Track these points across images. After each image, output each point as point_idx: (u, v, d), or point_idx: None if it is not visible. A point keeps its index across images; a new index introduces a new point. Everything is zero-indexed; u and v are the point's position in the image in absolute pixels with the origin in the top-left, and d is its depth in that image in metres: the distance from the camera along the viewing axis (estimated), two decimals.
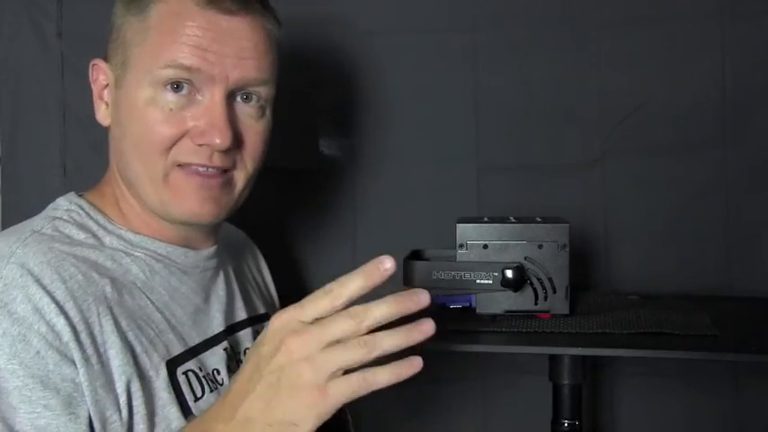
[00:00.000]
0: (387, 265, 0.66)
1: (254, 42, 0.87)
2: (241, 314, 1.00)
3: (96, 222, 0.88)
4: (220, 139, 0.85)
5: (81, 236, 0.86)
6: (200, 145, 0.85)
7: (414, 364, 0.66)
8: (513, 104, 1.30)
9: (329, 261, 1.34)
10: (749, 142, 1.26)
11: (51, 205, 0.90)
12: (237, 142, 0.87)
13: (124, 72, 0.87)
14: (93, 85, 0.92)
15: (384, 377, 0.65)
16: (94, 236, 0.87)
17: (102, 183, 0.94)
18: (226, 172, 0.88)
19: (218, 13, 0.85)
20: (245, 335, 0.99)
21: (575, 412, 1.01)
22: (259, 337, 0.69)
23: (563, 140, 1.29)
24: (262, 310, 1.08)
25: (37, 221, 0.86)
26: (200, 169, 0.86)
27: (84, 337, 0.77)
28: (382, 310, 0.66)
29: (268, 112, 0.91)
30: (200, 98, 0.86)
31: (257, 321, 1.04)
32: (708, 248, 1.27)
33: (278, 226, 1.18)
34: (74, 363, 0.76)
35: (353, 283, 0.67)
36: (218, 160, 0.86)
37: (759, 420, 1.26)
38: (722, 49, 1.26)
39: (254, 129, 0.89)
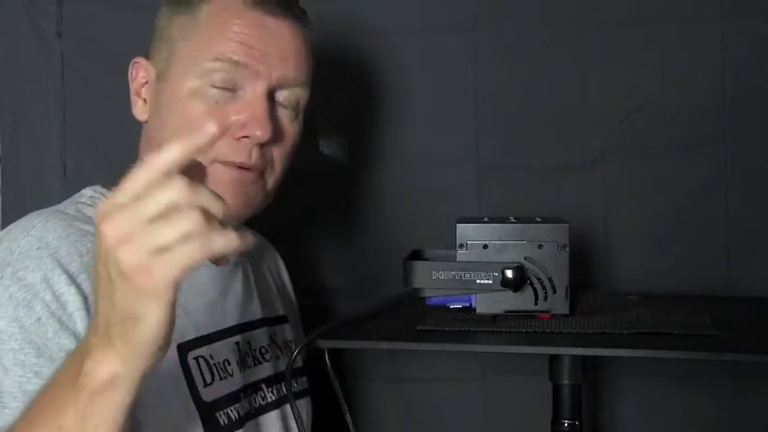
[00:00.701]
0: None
1: (296, 45, 0.92)
2: (257, 313, 1.01)
3: None
4: (261, 131, 0.88)
5: None
6: (240, 139, 0.88)
7: (234, 238, 0.58)
8: (513, 104, 1.30)
9: (329, 261, 1.34)
10: (749, 142, 1.26)
11: (77, 194, 0.94)
12: (275, 138, 0.91)
13: (168, 66, 0.91)
14: (131, 83, 0.95)
15: (221, 241, 0.57)
16: None
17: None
18: (256, 170, 0.91)
19: (264, 15, 0.90)
20: (260, 333, 1.00)
21: (575, 412, 1.01)
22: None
23: (563, 140, 1.29)
24: (281, 312, 1.08)
25: (62, 204, 0.91)
26: (240, 161, 0.89)
27: (94, 308, 0.78)
28: (175, 153, 0.57)
29: (301, 116, 0.96)
30: (241, 94, 0.90)
31: (275, 323, 1.05)
32: (708, 248, 1.27)
33: (278, 226, 1.18)
34: (74, 335, 0.77)
35: (172, 149, 0.58)
36: (255, 158, 0.90)
37: (759, 420, 1.26)
38: (722, 49, 1.25)
39: (289, 131, 0.94)
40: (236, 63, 0.88)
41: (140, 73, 0.95)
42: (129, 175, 0.58)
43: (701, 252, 1.27)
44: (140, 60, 0.95)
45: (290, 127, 0.94)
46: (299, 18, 0.95)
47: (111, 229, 0.57)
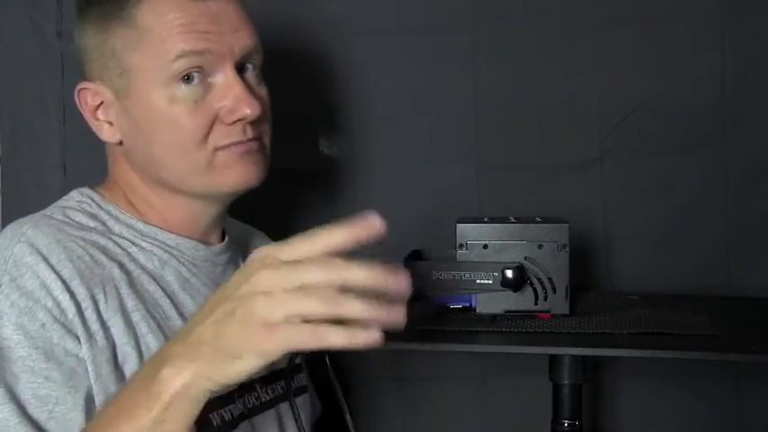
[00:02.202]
0: (375, 222, 0.60)
1: (240, 14, 0.91)
2: None
3: (107, 213, 0.91)
4: (250, 108, 0.88)
5: (90, 223, 0.89)
6: (232, 123, 0.89)
7: (372, 337, 0.59)
8: (513, 104, 1.30)
9: None
10: (749, 142, 1.26)
11: (64, 197, 0.93)
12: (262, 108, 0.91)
13: (126, 81, 0.88)
14: (83, 110, 0.92)
15: (337, 338, 0.59)
16: (104, 224, 0.90)
17: (108, 183, 0.96)
18: (257, 140, 0.92)
19: (204, 0, 0.88)
20: None
21: (575, 412, 1.01)
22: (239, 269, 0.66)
23: (563, 140, 1.29)
24: None
25: (49, 209, 0.90)
26: (237, 140, 0.90)
27: (89, 313, 0.80)
28: (359, 275, 0.60)
29: (261, 76, 0.95)
30: (212, 81, 0.89)
31: None
32: (708, 248, 1.27)
33: (278, 226, 1.17)
34: (77, 338, 0.78)
35: (339, 234, 0.61)
36: (250, 132, 0.90)
37: (759, 421, 1.26)
38: (722, 49, 1.25)
39: (261, 95, 0.93)
40: (200, 53, 0.87)
41: (89, 98, 0.91)
42: (295, 238, 0.62)
43: (701, 252, 1.27)
44: (87, 85, 0.91)
45: (262, 90, 0.94)
46: None
47: (263, 282, 0.60)
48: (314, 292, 0.59)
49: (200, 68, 0.87)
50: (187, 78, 0.87)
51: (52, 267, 0.80)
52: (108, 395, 0.78)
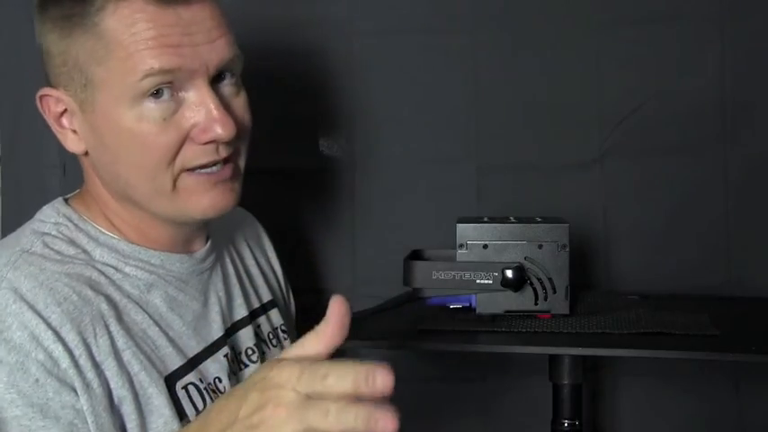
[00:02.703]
0: (380, 382, 0.60)
1: (217, 21, 0.83)
2: (241, 311, 0.98)
3: (86, 234, 0.86)
4: (224, 129, 0.81)
5: (71, 251, 0.84)
6: (205, 144, 0.83)
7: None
8: (513, 105, 1.30)
9: (329, 261, 1.34)
10: (749, 142, 1.26)
11: (38, 216, 0.87)
12: (238, 128, 0.84)
13: (91, 94, 0.82)
14: (47, 118, 0.86)
15: None
16: (84, 250, 0.84)
17: (83, 195, 0.91)
18: (228, 161, 0.85)
19: (175, 7, 0.80)
20: (245, 333, 0.97)
21: (575, 412, 1.01)
22: (254, 377, 0.64)
23: (563, 140, 1.29)
24: (267, 298, 1.05)
25: (25, 239, 0.84)
26: (208, 170, 0.84)
27: (83, 360, 0.76)
28: (349, 418, 0.58)
29: (240, 82, 0.88)
30: (183, 96, 0.82)
31: (261, 313, 1.02)
32: (708, 248, 1.27)
33: (278, 226, 1.18)
34: (74, 389, 0.75)
35: (344, 384, 0.60)
36: (224, 151, 0.84)
37: (759, 421, 1.26)
38: (722, 49, 1.25)
39: (238, 104, 0.86)
40: (169, 71, 0.79)
41: (51, 105, 0.85)
42: (316, 376, 0.60)
43: (701, 252, 1.27)
44: (48, 92, 0.84)
45: (238, 99, 0.86)
46: None
47: (278, 418, 0.59)
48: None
49: (170, 84, 0.80)
50: (156, 93, 0.80)
51: (39, 315, 0.75)
52: None
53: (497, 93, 1.30)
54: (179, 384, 0.84)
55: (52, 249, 0.83)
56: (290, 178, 1.31)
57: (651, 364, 1.25)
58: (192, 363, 0.87)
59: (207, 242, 0.94)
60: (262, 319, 1.02)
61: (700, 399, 1.27)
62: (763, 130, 1.26)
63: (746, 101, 1.25)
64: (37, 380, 0.74)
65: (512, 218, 1.03)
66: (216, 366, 0.89)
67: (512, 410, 1.30)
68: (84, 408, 0.75)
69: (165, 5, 0.79)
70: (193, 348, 0.88)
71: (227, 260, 1.00)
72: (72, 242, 0.85)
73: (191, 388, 0.85)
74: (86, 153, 0.86)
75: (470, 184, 1.30)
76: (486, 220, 1.02)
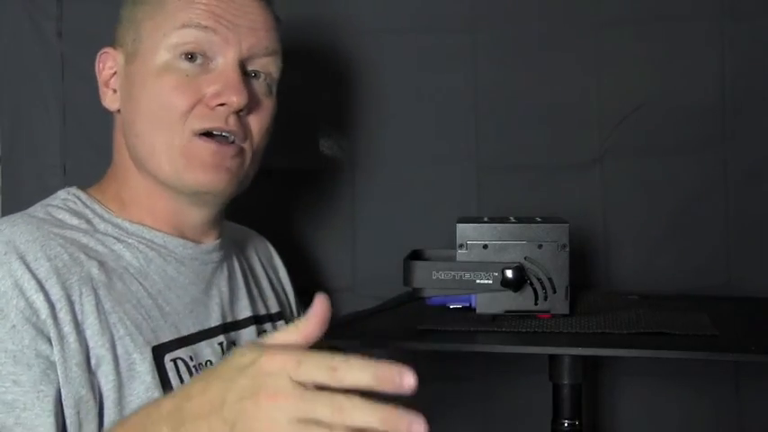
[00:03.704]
0: (407, 380, 0.61)
1: (264, 18, 0.92)
2: (245, 312, 1.00)
3: (93, 211, 0.90)
4: (237, 96, 0.87)
5: (74, 221, 0.87)
6: (214, 108, 0.87)
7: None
8: (513, 104, 1.30)
9: (329, 261, 1.34)
10: (749, 142, 1.26)
11: (51, 196, 0.92)
12: (250, 107, 0.89)
13: (137, 45, 0.89)
14: (99, 75, 0.94)
15: None
16: (88, 222, 0.88)
17: (104, 179, 0.95)
18: (234, 143, 0.90)
19: None
20: (247, 333, 0.98)
21: (575, 412, 1.01)
22: (239, 360, 0.62)
23: (563, 140, 1.29)
24: (275, 309, 1.07)
25: (32, 208, 0.89)
26: (215, 133, 0.88)
27: (63, 314, 0.78)
28: (365, 418, 0.58)
29: (274, 91, 0.94)
30: (212, 66, 0.88)
31: (267, 320, 1.04)
32: (708, 249, 1.27)
33: (278, 226, 1.18)
34: (49, 340, 0.77)
35: (361, 377, 0.59)
36: (233, 123, 0.89)
37: (759, 420, 1.26)
38: (722, 49, 1.26)
39: (264, 104, 0.92)
40: (205, 28, 0.87)
41: (108, 63, 0.93)
42: (314, 364, 0.59)
43: (701, 252, 1.27)
44: (108, 50, 0.93)
45: (265, 101, 0.92)
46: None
47: (272, 408, 0.58)
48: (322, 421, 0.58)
49: (203, 51, 0.88)
50: (190, 57, 0.88)
51: (27, 266, 0.78)
52: (78, 399, 0.77)
53: (497, 93, 1.30)
54: (168, 356, 0.86)
55: (54, 217, 0.87)
56: (290, 178, 1.31)
57: (651, 364, 1.25)
58: (185, 340, 0.89)
59: (217, 240, 0.97)
60: (268, 326, 1.04)
61: (700, 399, 1.27)
62: (763, 130, 1.26)
63: (746, 101, 1.26)
64: (14, 326, 0.76)
65: (512, 218, 1.03)
66: (209, 351, 0.91)
67: (512, 410, 1.30)
68: (57, 359, 0.77)
69: None
70: (188, 328, 0.90)
71: (236, 263, 1.02)
72: (76, 214, 0.89)
73: (179, 362, 0.86)
74: (118, 111, 0.93)
75: (470, 184, 1.30)
76: (486, 220, 1.02)
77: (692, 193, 1.27)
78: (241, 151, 0.91)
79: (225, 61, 0.88)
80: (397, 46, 1.31)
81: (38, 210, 0.88)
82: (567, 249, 0.99)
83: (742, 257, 1.26)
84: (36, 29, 1.32)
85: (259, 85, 0.92)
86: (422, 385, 1.34)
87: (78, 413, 0.78)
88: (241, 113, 0.89)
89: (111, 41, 0.94)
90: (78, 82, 1.31)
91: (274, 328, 1.05)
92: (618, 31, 1.27)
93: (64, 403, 0.77)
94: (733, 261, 1.27)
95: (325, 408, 0.57)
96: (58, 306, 0.78)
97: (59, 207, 0.89)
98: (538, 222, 1.01)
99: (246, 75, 0.90)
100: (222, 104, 0.87)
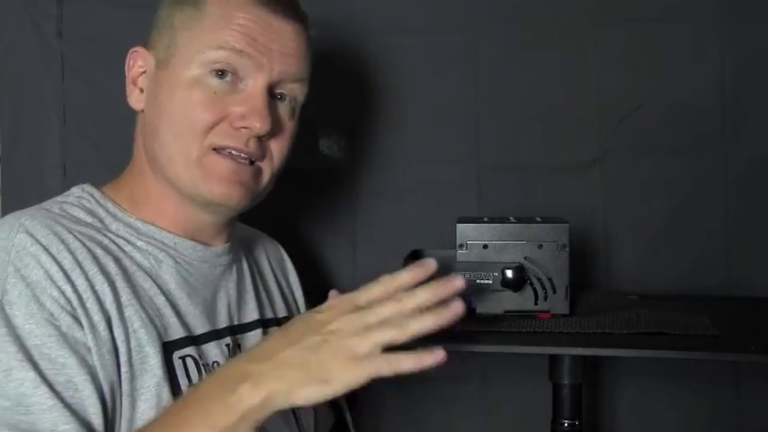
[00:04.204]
0: (431, 266, 0.74)
1: (298, 44, 0.93)
2: (252, 315, 1.00)
3: (105, 210, 0.91)
4: (260, 123, 0.89)
5: (88, 219, 0.89)
6: (238, 129, 0.89)
7: (436, 355, 0.71)
8: (513, 104, 1.30)
9: (329, 261, 1.34)
10: (748, 142, 1.26)
11: (65, 193, 0.93)
12: (273, 131, 0.91)
13: (171, 54, 0.90)
14: (128, 71, 0.94)
15: (407, 363, 0.71)
16: (101, 221, 0.89)
17: (121, 176, 0.96)
18: (254, 163, 0.92)
19: (269, 12, 0.90)
20: (254, 336, 0.98)
21: (575, 412, 1.01)
22: (314, 309, 0.76)
23: (563, 140, 1.29)
24: (282, 314, 1.07)
25: (47, 203, 0.90)
26: (234, 153, 0.89)
27: (90, 303, 0.80)
28: (422, 295, 0.72)
29: (297, 113, 0.96)
30: (242, 87, 0.90)
31: (273, 324, 1.04)
32: (708, 249, 1.27)
33: (278, 226, 1.18)
34: (82, 327, 0.79)
35: (403, 277, 0.74)
36: (252, 147, 0.90)
37: (759, 420, 1.26)
38: (722, 49, 1.26)
39: (286, 126, 0.94)
40: (240, 52, 0.88)
41: (138, 62, 0.94)
42: (367, 287, 0.75)
43: (700, 252, 1.27)
44: (139, 49, 0.94)
45: (288, 123, 0.94)
46: (303, 21, 0.95)
47: (351, 323, 0.72)
48: (386, 324, 0.71)
49: (234, 70, 0.89)
50: (221, 74, 0.89)
51: (53, 257, 0.80)
52: (111, 385, 0.79)
53: (497, 93, 1.30)
54: (177, 354, 0.87)
55: (68, 213, 0.88)
56: (290, 178, 1.31)
57: (651, 364, 1.25)
58: (195, 340, 0.90)
59: (226, 243, 0.97)
60: (274, 329, 1.03)
61: (700, 399, 1.27)
62: (763, 130, 1.26)
63: (746, 101, 1.26)
64: (51, 313, 0.78)
65: (512, 218, 1.03)
66: (217, 351, 0.92)
67: (512, 410, 1.30)
68: (91, 346, 0.79)
69: (261, 6, 0.90)
70: (198, 328, 0.91)
71: (245, 266, 1.02)
72: (90, 212, 0.90)
73: (188, 360, 0.87)
74: (142, 111, 0.94)
75: (470, 184, 1.30)
76: (486, 220, 1.02)
77: (691, 193, 1.27)
78: (259, 171, 0.93)
79: (254, 84, 0.89)
80: (397, 46, 1.31)
81: (53, 206, 0.89)
82: (567, 249, 0.99)
83: (742, 257, 1.26)
84: (36, 29, 1.32)
85: (283, 108, 0.93)
86: (422, 385, 1.35)
87: (113, 399, 0.80)
88: (263, 138, 0.91)
89: (144, 41, 0.94)
90: (78, 82, 1.31)
91: None
92: (618, 31, 1.27)
93: (103, 389, 0.79)
94: (733, 261, 1.27)
95: (389, 306, 0.72)
96: (84, 296, 0.80)
97: (74, 204, 0.90)
98: (538, 222, 1.01)
99: (273, 96, 0.92)
100: (245, 127, 0.89)
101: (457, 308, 0.72)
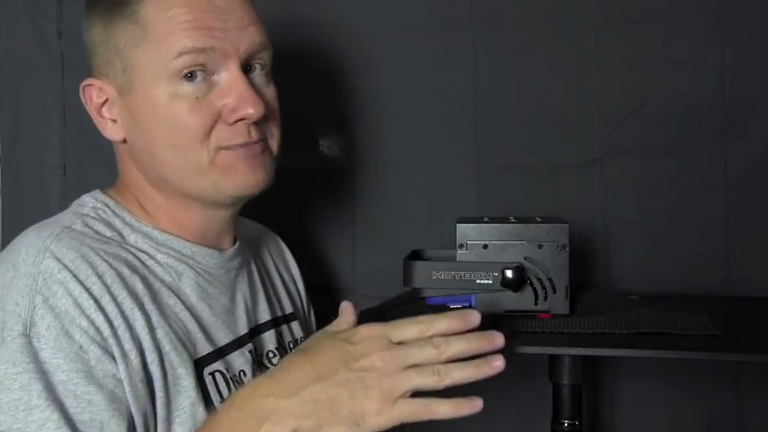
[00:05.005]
0: (475, 321, 0.74)
1: (248, 11, 0.89)
2: (264, 315, 1.00)
3: (122, 220, 0.89)
4: (253, 108, 0.86)
5: (108, 233, 0.86)
6: (235, 123, 0.86)
7: (474, 404, 0.72)
8: (513, 104, 1.30)
9: (329, 261, 1.34)
10: (749, 142, 1.26)
11: (77, 202, 0.91)
12: (266, 110, 0.89)
13: (129, 78, 0.86)
14: (88, 108, 0.90)
15: (444, 409, 0.71)
16: (120, 234, 0.87)
17: (118, 186, 0.94)
18: (259, 142, 0.89)
19: None
20: (268, 336, 0.98)
21: (575, 412, 1.01)
22: (340, 334, 0.75)
23: (563, 140, 1.29)
24: (288, 310, 1.07)
25: (66, 217, 0.87)
26: (242, 142, 0.87)
27: (122, 331, 0.78)
28: (461, 346, 0.72)
29: (271, 77, 0.93)
30: (216, 79, 0.86)
31: (283, 322, 1.04)
32: (708, 249, 1.27)
33: (278, 226, 1.18)
34: (114, 359, 0.77)
35: (443, 323, 0.74)
36: (255, 134, 0.88)
37: (759, 420, 1.26)
38: (722, 49, 1.25)
39: (269, 95, 0.91)
40: (202, 50, 0.84)
41: (94, 94, 0.89)
42: (404, 323, 0.74)
43: (701, 252, 1.27)
44: (91, 81, 0.89)
45: (269, 91, 0.91)
46: None
47: (387, 361, 0.71)
48: (425, 370, 0.71)
49: (203, 66, 0.85)
50: (190, 76, 0.85)
51: (82, 284, 0.77)
52: (145, 415, 0.77)
53: (497, 93, 1.30)
54: (206, 370, 0.86)
55: (91, 229, 0.85)
56: (291, 178, 1.31)
57: (651, 364, 1.25)
58: (221, 352, 0.88)
59: (235, 243, 0.96)
60: (284, 328, 1.04)
61: (700, 399, 1.27)
62: (763, 130, 1.26)
63: (746, 101, 1.25)
64: (81, 346, 0.76)
65: (512, 218, 1.03)
66: (241, 360, 0.91)
67: (512, 410, 1.30)
68: (123, 377, 0.77)
69: None
70: (222, 339, 0.90)
71: (253, 266, 1.02)
72: (109, 225, 0.87)
73: (217, 375, 0.86)
74: (124, 141, 0.90)
75: (470, 184, 1.30)
76: (486, 220, 1.02)
77: (691, 192, 1.27)
78: (267, 146, 0.91)
79: (229, 73, 0.86)
80: (397, 46, 1.31)
81: (75, 221, 0.85)
82: (567, 249, 0.99)
83: (742, 257, 1.26)
84: (36, 29, 1.32)
85: (260, 78, 0.90)
86: None
87: (146, 428, 0.78)
88: (259, 120, 0.88)
89: (90, 70, 0.90)
90: (78, 82, 1.31)
91: (290, 329, 1.05)
92: (618, 31, 1.27)
93: (135, 421, 0.77)
94: (733, 261, 1.26)
95: (426, 351, 0.71)
96: (116, 323, 0.78)
97: (93, 217, 0.87)
98: (538, 222, 1.01)
99: (247, 73, 0.89)
100: (242, 119, 0.86)
101: (497, 364, 0.73)
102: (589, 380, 1.27)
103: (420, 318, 0.73)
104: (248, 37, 0.87)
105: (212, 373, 0.86)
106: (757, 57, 1.25)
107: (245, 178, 0.88)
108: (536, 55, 1.29)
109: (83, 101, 0.90)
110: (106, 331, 0.77)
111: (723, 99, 1.26)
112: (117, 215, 0.89)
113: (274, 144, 0.92)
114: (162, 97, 0.85)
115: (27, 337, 0.75)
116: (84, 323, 0.76)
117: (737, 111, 1.26)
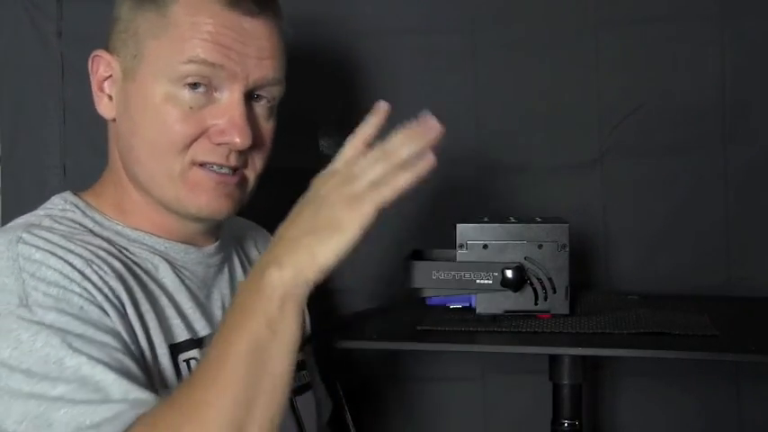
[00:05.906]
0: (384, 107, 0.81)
1: (273, 43, 0.88)
2: None
3: (93, 220, 0.88)
4: (240, 138, 0.85)
5: (77, 229, 0.86)
6: (218, 144, 0.86)
7: (428, 160, 0.75)
8: (513, 104, 1.30)
9: None
10: (749, 142, 1.26)
11: (46, 203, 0.90)
12: (254, 143, 0.87)
13: (137, 65, 0.86)
14: (92, 77, 0.90)
15: (405, 177, 0.73)
16: (91, 232, 0.87)
17: (99, 182, 0.94)
18: (237, 171, 0.89)
19: (240, 15, 0.85)
20: None
21: (575, 412, 1.01)
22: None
23: (563, 140, 1.29)
24: None
25: (33, 218, 0.86)
26: (216, 167, 0.87)
27: (111, 297, 0.79)
28: (404, 150, 0.76)
29: (275, 112, 0.92)
30: (218, 96, 0.86)
31: None
32: (708, 248, 1.27)
33: (278, 226, 1.17)
34: (110, 317, 0.78)
35: (366, 132, 0.82)
36: (233, 160, 0.87)
37: (759, 420, 1.26)
38: (722, 49, 1.26)
39: (265, 129, 0.91)
40: (212, 65, 0.84)
41: (101, 67, 0.89)
42: (344, 149, 0.81)
43: (700, 252, 1.27)
44: (102, 54, 0.89)
45: (267, 125, 0.91)
46: (277, 15, 0.90)
47: (341, 179, 0.75)
48: (376, 162, 0.74)
49: (208, 80, 0.84)
50: (194, 86, 0.84)
51: (63, 259, 0.78)
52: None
53: (497, 93, 1.30)
54: (182, 357, 0.86)
55: (60, 224, 0.85)
56: (290, 178, 1.30)
57: (651, 364, 1.25)
58: (198, 342, 0.88)
59: (216, 243, 0.96)
60: None
61: (700, 399, 1.27)
62: (763, 130, 1.26)
63: (746, 101, 1.26)
64: (81, 307, 0.76)
65: (512, 218, 1.03)
66: None
67: (512, 410, 1.30)
68: (123, 334, 0.78)
69: (231, 9, 0.85)
70: (200, 330, 0.90)
71: (236, 263, 1.01)
72: (79, 224, 0.87)
73: (193, 363, 0.86)
74: (114, 120, 0.90)
75: (470, 184, 1.30)
76: (486, 220, 1.02)
77: (691, 192, 1.28)
78: (243, 179, 0.90)
79: (230, 96, 0.85)
80: (397, 46, 1.31)
81: (42, 219, 0.85)
82: (567, 249, 0.99)
83: (742, 257, 1.26)
84: (36, 29, 1.32)
85: (261, 109, 0.90)
86: (422, 385, 1.35)
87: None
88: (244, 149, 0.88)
89: (105, 43, 0.90)
90: (78, 82, 1.30)
91: None
92: (618, 31, 1.27)
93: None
94: (733, 261, 1.27)
95: (378, 165, 0.74)
96: (104, 290, 0.79)
97: (62, 217, 0.87)
98: (538, 222, 1.01)
99: (250, 97, 0.88)
100: (225, 143, 0.86)
101: (432, 125, 0.77)
102: (589, 380, 1.27)
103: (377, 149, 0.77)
104: (262, 69, 0.87)
105: (187, 360, 0.86)
106: (757, 57, 1.25)
107: (209, 203, 0.87)
108: (536, 55, 1.29)
109: (89, 69, 0.90)
110: (99, 297, 0.77)
111: (723, 99, 1.26)
112: (87, 215, 0.88)
113: (252, 176, 0.91)
114: (158, 95, 0.85)
115: (27, 307, 0.75)
116: (77, 288, 0.77)
117: (737, 111, 1.26)
